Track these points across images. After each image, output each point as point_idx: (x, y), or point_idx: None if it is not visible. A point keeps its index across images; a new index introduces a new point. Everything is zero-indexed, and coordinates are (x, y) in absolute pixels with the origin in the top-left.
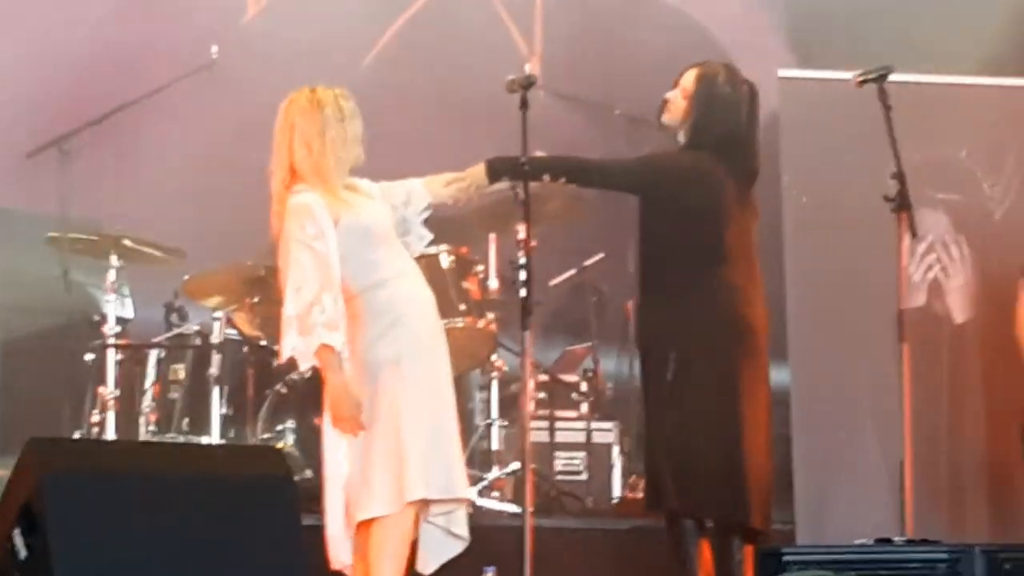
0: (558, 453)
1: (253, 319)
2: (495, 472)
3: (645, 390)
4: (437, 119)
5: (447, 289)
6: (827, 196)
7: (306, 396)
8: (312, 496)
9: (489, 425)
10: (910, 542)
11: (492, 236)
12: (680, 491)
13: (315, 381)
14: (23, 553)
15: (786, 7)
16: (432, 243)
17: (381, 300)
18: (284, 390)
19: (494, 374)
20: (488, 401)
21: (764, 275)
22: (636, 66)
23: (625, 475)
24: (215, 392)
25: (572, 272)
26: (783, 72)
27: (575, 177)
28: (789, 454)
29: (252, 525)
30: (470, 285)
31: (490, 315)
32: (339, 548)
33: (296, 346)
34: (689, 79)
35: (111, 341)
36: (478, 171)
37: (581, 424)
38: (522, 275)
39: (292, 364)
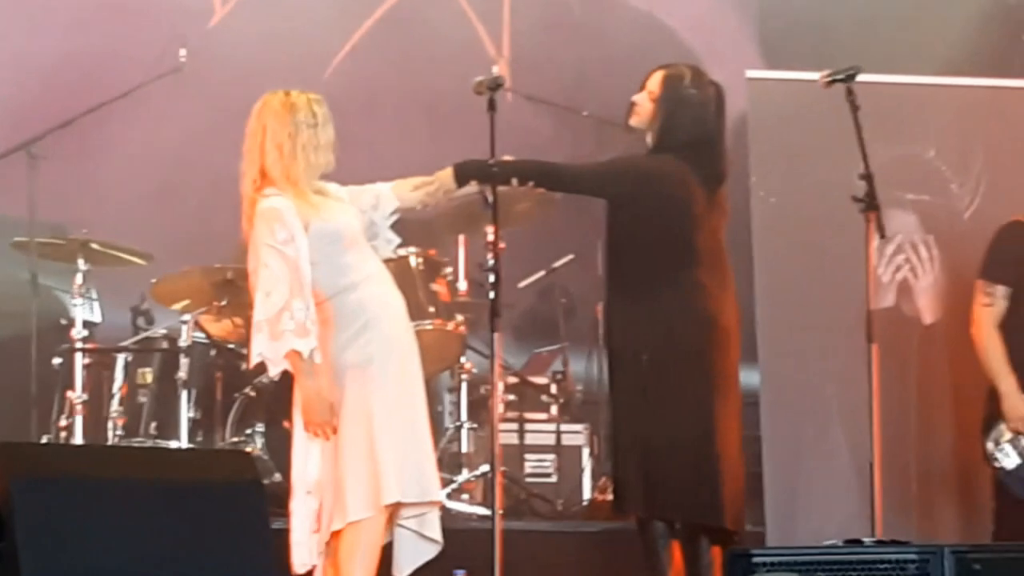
0: (528, 455)
1: (221, 322)
2: (464, 475)
3: (613, 392)
4: (405, 122)
5: (416, 291)
6: (795, 197)
7: (275, 399)
8: (281, 500)
9: (458, 427)
10: (880, 543)
11: (461, 238)
12: (649, 494)
13: (284, 384)
14: None
15: (754, 9)
16: (401, 245)
17: (351, 304)
18: (253, 393)
19: (463, 376)
20: (457, 403)
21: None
22: (604, 68)
23: (595, 477)
24: (183, 396)
25: (541, 274)
26: (751, 73)
27: (543, 181)
28: (759, 455)
29: (221, 529)
30: (439, 287)
31: (459, 317)
32: (303, 551)
33: (264, 351)
34: (655, 82)
35: (79, 345)
36: (446, 175)
37: (551, 426)
38: (491, 277)
39: (261, 367)
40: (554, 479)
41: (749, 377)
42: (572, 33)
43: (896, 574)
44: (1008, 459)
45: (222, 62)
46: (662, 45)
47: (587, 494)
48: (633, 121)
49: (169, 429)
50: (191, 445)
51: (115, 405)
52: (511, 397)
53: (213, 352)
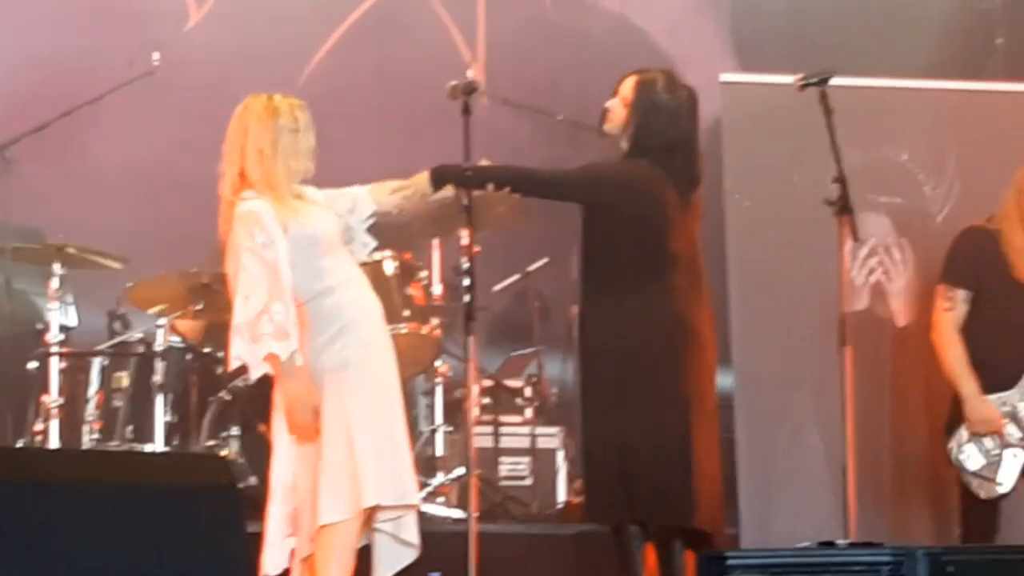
0: (503, 458)
1: (197, 326)
2: (440, 478)
3: (584, 396)
4: (380, 125)
5: (391, 295)
6: (769, 200)
7: (250, 403)
8: (257, 503)
9: (433, 431)
10: (853, 545)
11: (436, 242)
12: (620, 498)
13: (259, 388)
14: None
15: (728, 12)
16: (376, 249)
17: (328, 308)
18: (228, 397)
19: (438, 380)
20: (432, 407)
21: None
22: (579, 72)
23: (570, 480)
24: (159, 400)
25: (516, 277)
26: (725, 76)
27: (519, 187)
28: (733, 458)
29: (196, 533)
30: (414, 291)
31: (434, 321)
32: (276, 554)
33: (242, 354)
34: (627, 87)
35: (54, 349)
36: (422, 179)
37: (526, 429)
38: (466, 281)
39: (236, 371)
40: (529, 482)
41: (723, 379)
42: (547, 37)
43: None
44: (971, 461)
45: (197, 66)
46: (636, 49)
47: (562, 497)
48: (607, 127)
49: (145, 433)
50: (167, 449)
51: (91, 409)
52: (486, 400)
53: (189, 356)
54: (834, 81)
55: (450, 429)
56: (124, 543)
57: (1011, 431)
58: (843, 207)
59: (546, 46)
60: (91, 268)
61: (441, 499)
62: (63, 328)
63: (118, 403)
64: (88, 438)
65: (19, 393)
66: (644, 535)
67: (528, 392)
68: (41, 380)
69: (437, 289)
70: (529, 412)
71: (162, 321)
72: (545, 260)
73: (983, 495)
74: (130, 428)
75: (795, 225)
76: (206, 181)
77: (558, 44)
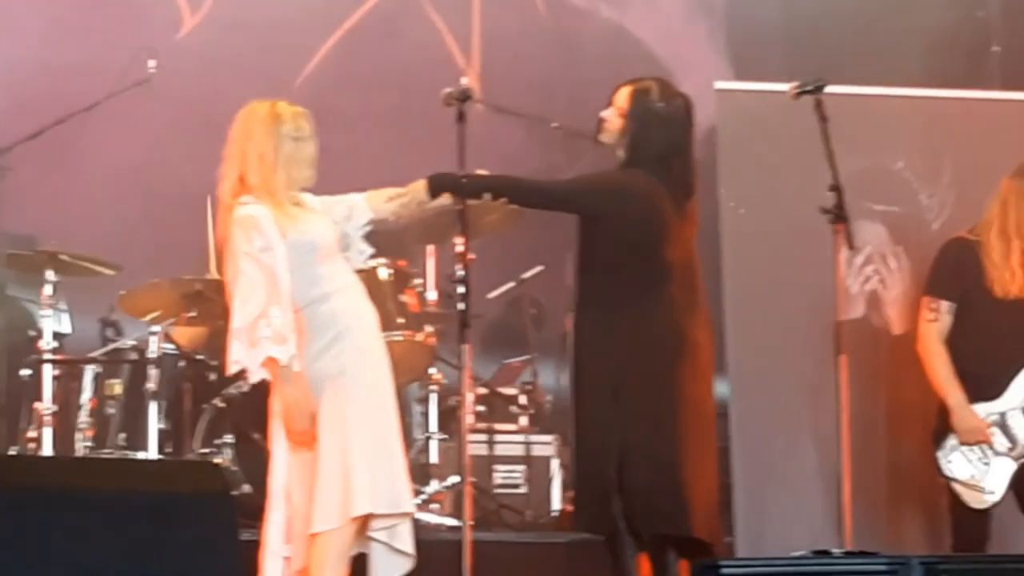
0: (497, 466)
1: (196, 335)
2: (434, 486)
3: (578, 404)
4: (374, 133)
5: (385, 302)
6: (764, 208)
7: (244, 411)
8: (251, 511)
9: (428, 439)
10: (848, 554)
11: (430, 249)
12: (610, 508)
13: (253, 396)
14: None
15: (723, 20)
16: (371, 256)
17: (324, 314)
18: (222, 405)
19: (432, 387)
20: (427, 414)
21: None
22: (574, 80)
23: (565, 488)
24: (152, 407)
25: (510, 285)
26: (720, 84)
27: (516, 196)
28: (728, 466)
29: (189, 541)
30: (408, 298)
31: (428, 328)
32: (275, 563)
33: (241, 358)
34: (623, 97)
35: (47, 356)
36: (419, 187)
37: (520, 437)
38: (460, 288)
39: (230, 379)
40: (524, 490)
41: (718, 387)
42: (542, 44)
43: None
44: (959, 470)
45: (191, 73)
46: (631, 57)
47: (556, 505)
48: (603, 137)
49: (138, 440)
50: (160, 456)
51: (84, 416)
52: (480, 408)
53: (182, 363)
54: (829, 89)
55: (444, 437)
56: (117, 551)
57: (999, 440)
58: (839, 215)
59: (541, 54)
60: (84, 275)
61: (435, 507)
62: (56, 335)
63: (111, 410)
64: (81, 445)
65: (12, 400)
66: (638, 544)
67: (522, 400)
68: (34, 387)
69: (431, 296)
70: (523, 420)
71: (155, 328)
72: (540, 267)
73: (973, 504)
74: (123, 435)
75: (790, 233)
76: (200, 188)
77: (553, 52)
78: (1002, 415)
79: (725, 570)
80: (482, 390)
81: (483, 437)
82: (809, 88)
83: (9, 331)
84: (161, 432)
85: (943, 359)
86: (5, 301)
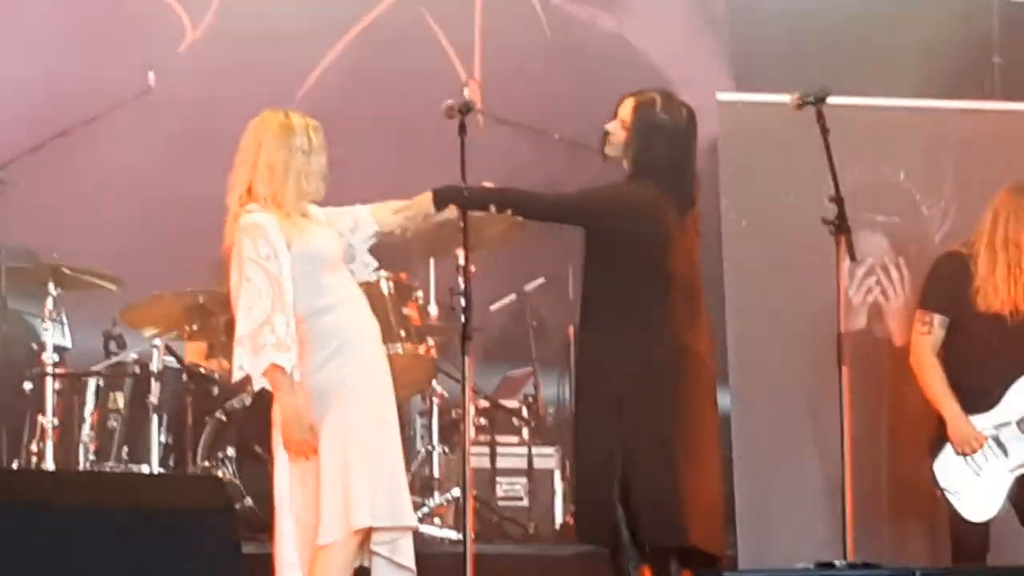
0: (499, 479)
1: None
2: (436, 498)
3: (578, 417)
4: (375, 145)
5: (387, 315)
6: (766, 219)
7: (246, 424)
8: (252, 525)
9: (430, 451)
10: (851, 565)
11: (431, 261)
12: (612, 519)
13: (255, 409)
14: None
15: (725, 31)
16: (375, 269)
17: (326, 326)
18: (224, 418)
19: (434, 400)
20: (428, 427)
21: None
22: (576, 91)
23: (567, 501)
24: (154, 420)
25: (512, 297)
26: (722, 95)
27: (522, 209)
28: (730, 478)
29: (191, 555)
30: (410, 311)
31: (430, 341)
32: (292, 571)
33: (245, 364)
34: (627, 109)
35: (49, 370)
36: (425, 199)
37: (522, 450)
38: (462, 301)
39: (232, 392)
40: (526, 502)
41: (719, 399)
42: (543, 56)
43: None
44: (955, 482)
45: (192, 86)
46: (633, 68)
47: (559, 517)
48: (608, 150)
49: (140, 454)
50: (162, 470)
51: (87, 430)
52: (482, 420)
53: (184, 377)
54: (831, 100)
55: (446, 449)
56: (120, 565)
57: (993, 452)
58: (840, 226)
59: (543, 66)
60: (86, 288)
61: (437, 520)
62: (58, 348)
63: (114, 424)
64: (84, 459)
65: (15, 413)
66: (642, 556)
67: (524, 412)
68: (37, 400)
69: (433, 309)
70: (525, 432)
71: (157, 341)
72: (541, 280)
73: (968, 516)
74: (126, 449)
75: (792, 244)
76: (201, 201)
77: (555, 64)
78: (996, 427)
79: None
80: (484, 403)
81: (485, 450)
82: (811, 99)
83: (11, 344)
84: (163, 445)
85: (937, 372)
86: (7, 314)
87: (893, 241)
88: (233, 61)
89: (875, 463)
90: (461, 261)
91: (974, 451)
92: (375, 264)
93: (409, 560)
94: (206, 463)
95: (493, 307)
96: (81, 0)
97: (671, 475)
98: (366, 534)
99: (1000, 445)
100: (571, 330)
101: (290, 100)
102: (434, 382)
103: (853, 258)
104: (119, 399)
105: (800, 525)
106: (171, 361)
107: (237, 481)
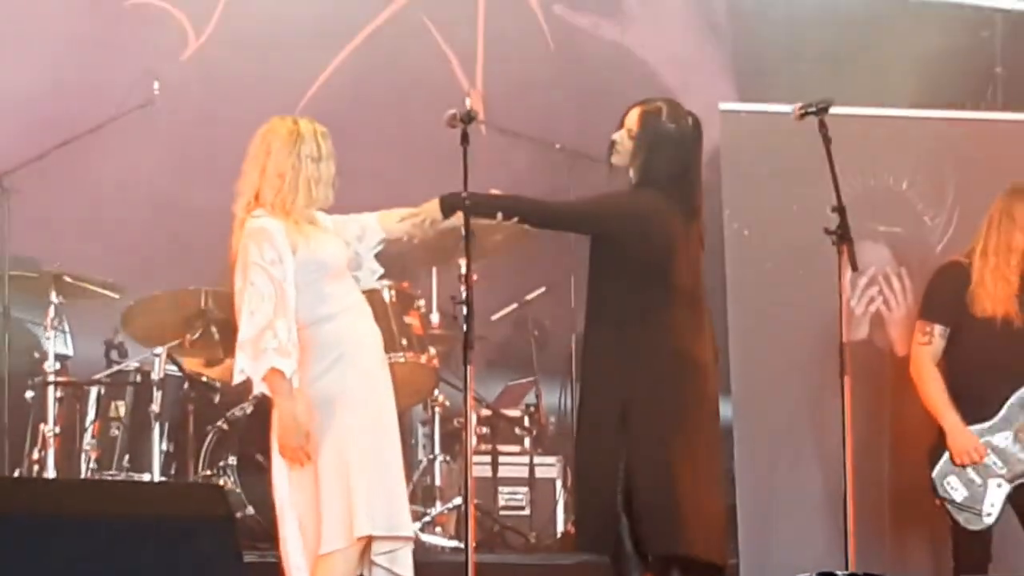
0: (501, 488)
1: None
2: (438, 507)
3: (579, 426)
4: (378, 154)
5: (389, 324)
6: (768, 229)
7: (247, 433)
8: (254, 534)
9: (431, 460)
10: None
11: (433, 270)
12: (613, 529)
13: (256, 418)
14: None
15: (727, 42)
16: (382, 276)
17: (328, 334)
18: (225, 427)
19: (436, 409)
20: (430, 436)
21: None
22: (578, 101)
23: (568, 510)
24: (156, 429)
25: (514, 306)
26: (724, 105)
27: (528, 217)
28: (732, 488)
29: (193, 564)
30: (412, 320)
31: (432, 350)
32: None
33: (246, 368)
34: (633, 119)
35: (51, 378)
36: (432, 207)
37: (524, 459)
38: (464, 310)
39: (233, 400)
40: (527, 512)
41: (721, 409)
42: (546, 66)
43: None
44: (955, 492)
45: (195, 94)
46: (636, 78)
47: (560, 527)
48: (615, 160)
49: (142, 462)
50: (164, 478)
51: (88, 438)
52: (484, 430)
53: (186, 385)
54: (833, 110)
55: (448, 459)
56: (121, 574)
57: (993, 461)
58: (842, 236)
59: (545, 75)
60: (88, 297)
61: (439, 529)
62: (60, 357)
63: (115, 432)
64: (86, 467)
65: (16, 422)
66: (644, 565)
67: (526, 421)
68: (38, 409)
69: (435, 318)
70: (527, 441)
71: (159, 350)
72: (543, 289)
73: (968, 526)
74: (127, 457)
75: (794, 254)
76: (204, 210)
77: (557, 74)
78: (995, 437)
79: None
80: (486, 412)
81: (487, 459)
82: (813, 109)
83: (13, 353)
84: (165, 454)
85: (937, 382)
86: (9, 323)
87: (895, 251)
88: (236, 70)
89: (877, 473)
90: (463, 270)
91: (974, 462)
92: (381, 271)
93: (408, 571)
94: (207, 472)
95: (495, 316)
96: (84, 9)
97: (673, 485)
98: (367, 543)
99: (999, 454)
100: (573, 339)
101: (293, 109)
102: (436, 391)
103: (855, 268)
104: (120, 407)
105: (802, 535)
106: (173, 369)
107: (239, 490)
